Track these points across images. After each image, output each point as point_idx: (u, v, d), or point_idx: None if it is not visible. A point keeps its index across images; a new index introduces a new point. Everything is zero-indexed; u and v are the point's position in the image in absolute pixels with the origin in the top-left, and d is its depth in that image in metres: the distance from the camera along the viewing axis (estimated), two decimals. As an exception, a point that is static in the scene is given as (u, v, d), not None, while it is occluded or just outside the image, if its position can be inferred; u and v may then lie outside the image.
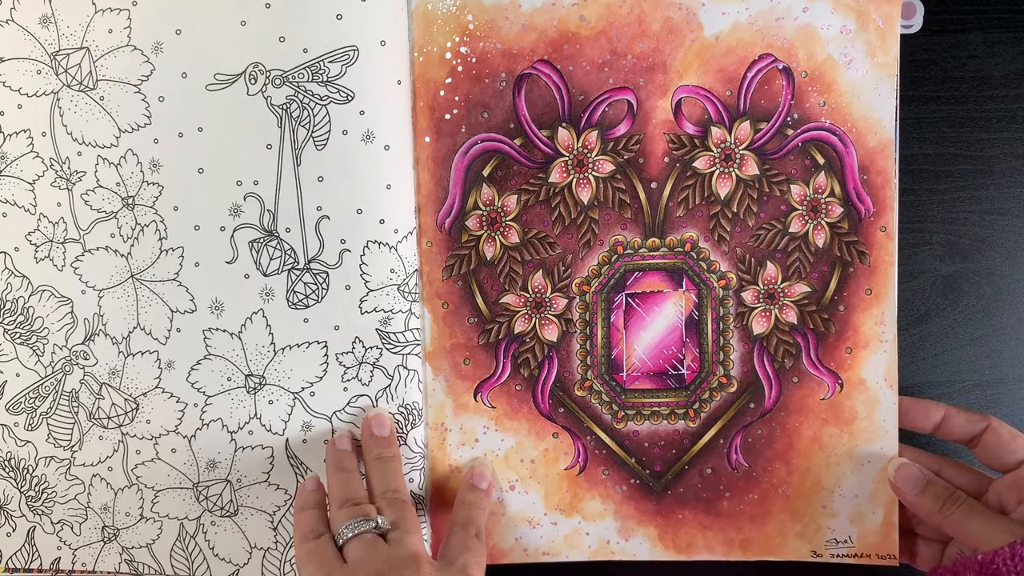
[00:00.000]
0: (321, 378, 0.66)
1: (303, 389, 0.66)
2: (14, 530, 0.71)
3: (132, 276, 0.66)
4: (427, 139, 0.65)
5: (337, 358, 0.66)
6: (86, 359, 0.68)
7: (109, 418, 0.68)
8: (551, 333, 0.67)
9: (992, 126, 0.69)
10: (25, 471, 0.70)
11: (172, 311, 0.66)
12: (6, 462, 0.70)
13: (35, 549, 0.71)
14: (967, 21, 0.67)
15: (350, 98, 0.63)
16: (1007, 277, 0.70)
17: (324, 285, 0.65)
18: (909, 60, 0.65)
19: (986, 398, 0.71)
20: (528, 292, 0.67)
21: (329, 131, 0.63)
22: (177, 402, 0.67)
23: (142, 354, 0.67)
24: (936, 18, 0.65)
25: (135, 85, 0.64)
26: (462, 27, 0.64)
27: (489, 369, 0.67)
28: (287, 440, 0.67)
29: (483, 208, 0.66)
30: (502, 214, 0.66)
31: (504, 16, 0.64)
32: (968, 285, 0.70)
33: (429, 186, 0.65)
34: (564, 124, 0.65)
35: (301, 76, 0.63)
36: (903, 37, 0.64)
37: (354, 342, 0.66)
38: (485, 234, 0.66)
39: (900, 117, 0.64)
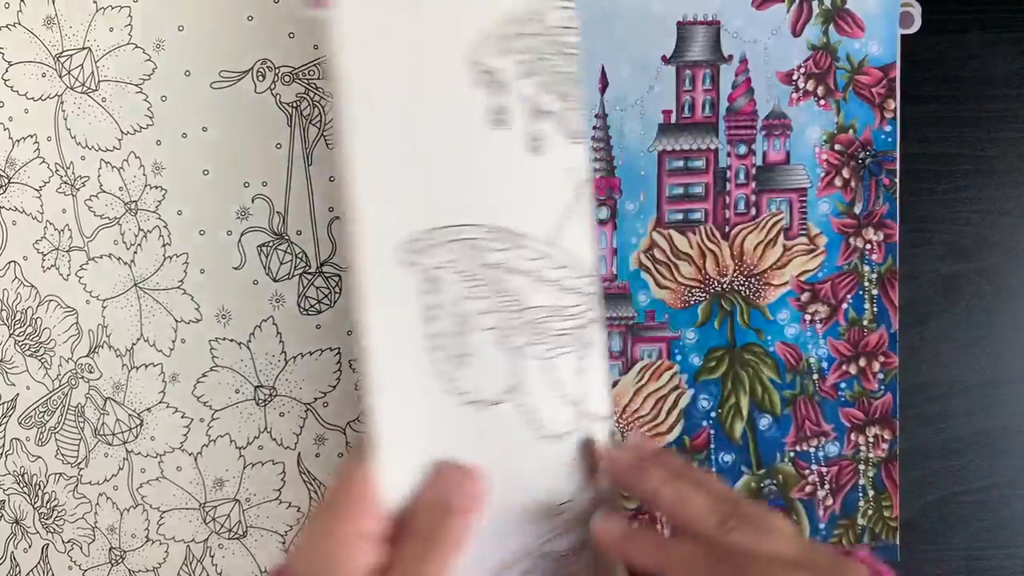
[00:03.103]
0: (334, 387, 0.64)
1: (316, 400, 0.64)
2: (30, 546, 0.68)
3: (135, 285, 0.64)
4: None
5: (350, 364, 0.64)
6: (91, 372, 0.65)
7: (114, 434, 0.65)
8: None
9: (993, 126, 0.69)
10: (37, 487, 0.67)
11: (176, 321, 0.64)
12: (20, 476, 0.67)
13: (50, 567, 0.68)
14: (967, 21, 0.67)
15: (360, 95, 0.62)
16: (1008, 277, 0.70)
17: (337, 288, 0.63)
18: (909, 60, 0.65)
19: (986, 398, 0.71)
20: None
21: (340, 129, 0.62)
22: (182, 417, 0.65)
23: (145, 367, 0.65)
24: (936, 18, 0.65)
25: (137, 85, 0.62)
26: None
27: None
28: (299, 455, 0.65)
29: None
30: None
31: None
32: (969, 285, 0.70)
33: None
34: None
35: (312, 73, 0.62)
36: (903, 37, 0.64)
37: (366, 346, 0.64)
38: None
39: (900, 117, 0.65)
